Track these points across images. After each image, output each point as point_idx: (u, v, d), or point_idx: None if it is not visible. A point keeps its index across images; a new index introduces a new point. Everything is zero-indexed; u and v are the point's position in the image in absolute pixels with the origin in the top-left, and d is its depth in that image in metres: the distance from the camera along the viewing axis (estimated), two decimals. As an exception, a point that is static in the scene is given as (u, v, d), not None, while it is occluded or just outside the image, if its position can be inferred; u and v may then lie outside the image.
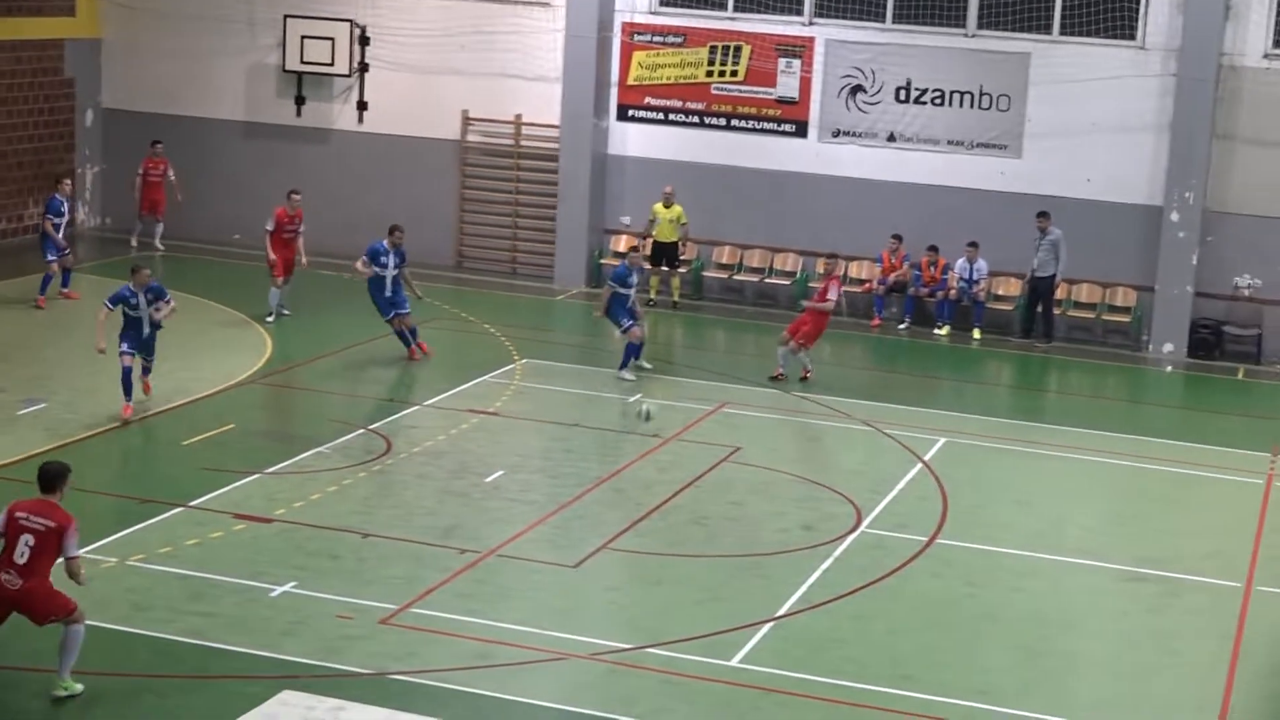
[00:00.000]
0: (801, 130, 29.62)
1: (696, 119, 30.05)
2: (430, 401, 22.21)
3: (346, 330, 25.94)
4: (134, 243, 31.11)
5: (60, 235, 26.68)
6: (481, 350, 25.29)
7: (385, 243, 24.41)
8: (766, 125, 29.82)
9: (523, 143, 31.03)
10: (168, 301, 20.65)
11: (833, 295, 24.46)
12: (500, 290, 29.82)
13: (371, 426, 20.87)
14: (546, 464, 20.07)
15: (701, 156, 30.08)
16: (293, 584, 15.45)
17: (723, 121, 29.99)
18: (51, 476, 13.13)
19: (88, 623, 13.16)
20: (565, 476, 19.48)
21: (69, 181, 28.10)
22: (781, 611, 15.64)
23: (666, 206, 29.08)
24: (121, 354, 20.32)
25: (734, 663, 14.39)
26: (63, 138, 32.28)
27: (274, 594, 15.22)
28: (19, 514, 12.92)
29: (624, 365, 23.80)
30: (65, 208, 27.01)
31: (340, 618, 14.73)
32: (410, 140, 31.50)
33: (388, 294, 24.23)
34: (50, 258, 26.48)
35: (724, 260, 30.22)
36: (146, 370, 20.92)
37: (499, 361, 24.54)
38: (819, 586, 16.31)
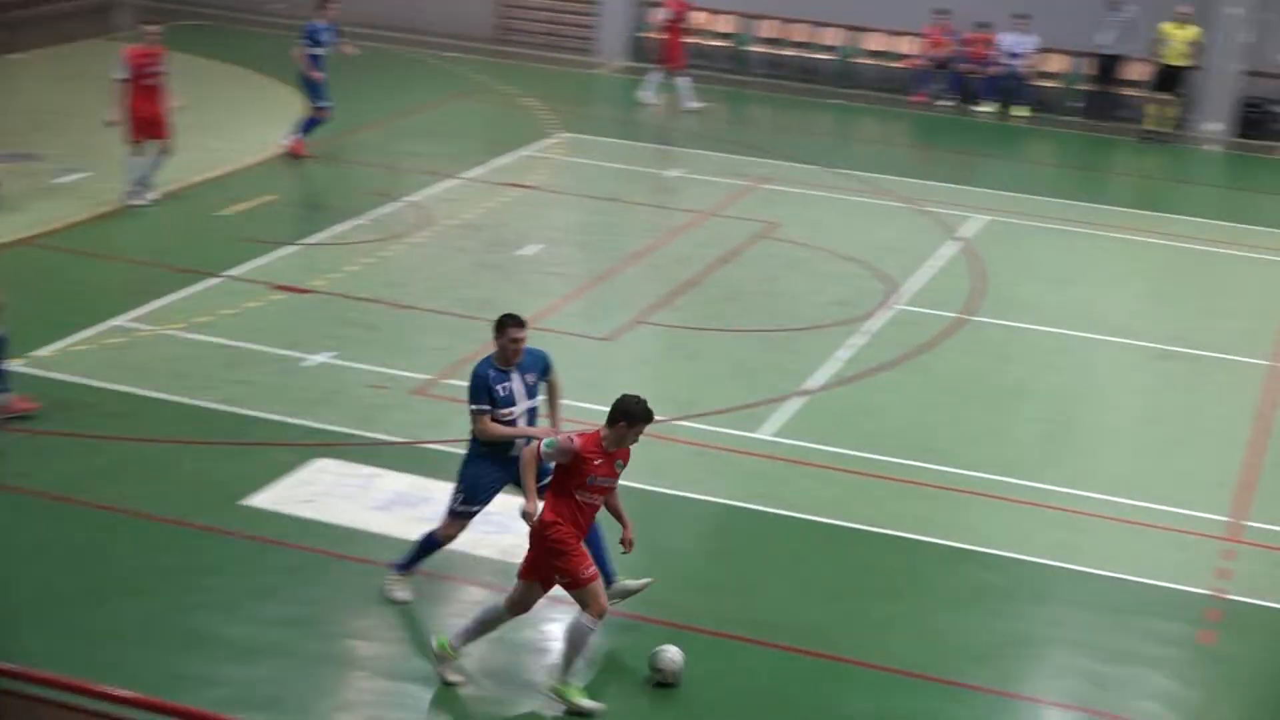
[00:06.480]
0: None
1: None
2: (469, 175, 22.19)
3: (385, 102, 25.86)
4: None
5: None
6: (520, 124, 25.19)
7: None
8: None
9: (564, -89, 30.55)
10: None
11: None
12: (540, 63, 29.60)
13: (409, 199, 20.92)
14: (583, 238, 20.12)
15: (746, -73, 29.56)
16: (329, 354, 15.65)
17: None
18: None
19: (130, 389, 13.31)
20: (601, 251, 19.53)
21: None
22: (812, 385, 15.78)
23: (1180, 27, 26.62)
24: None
25: (763, 435, 14.55)
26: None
27: (310, 363, 15.44)
28: None
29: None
30: (325, 37, 22.32)
31: (375, 388, 14.93)
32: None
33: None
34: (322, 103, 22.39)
35: (767, 35, 29.83)
36: None
37: (537, 135, 24.46)
38: (851, 361, 16.42)
